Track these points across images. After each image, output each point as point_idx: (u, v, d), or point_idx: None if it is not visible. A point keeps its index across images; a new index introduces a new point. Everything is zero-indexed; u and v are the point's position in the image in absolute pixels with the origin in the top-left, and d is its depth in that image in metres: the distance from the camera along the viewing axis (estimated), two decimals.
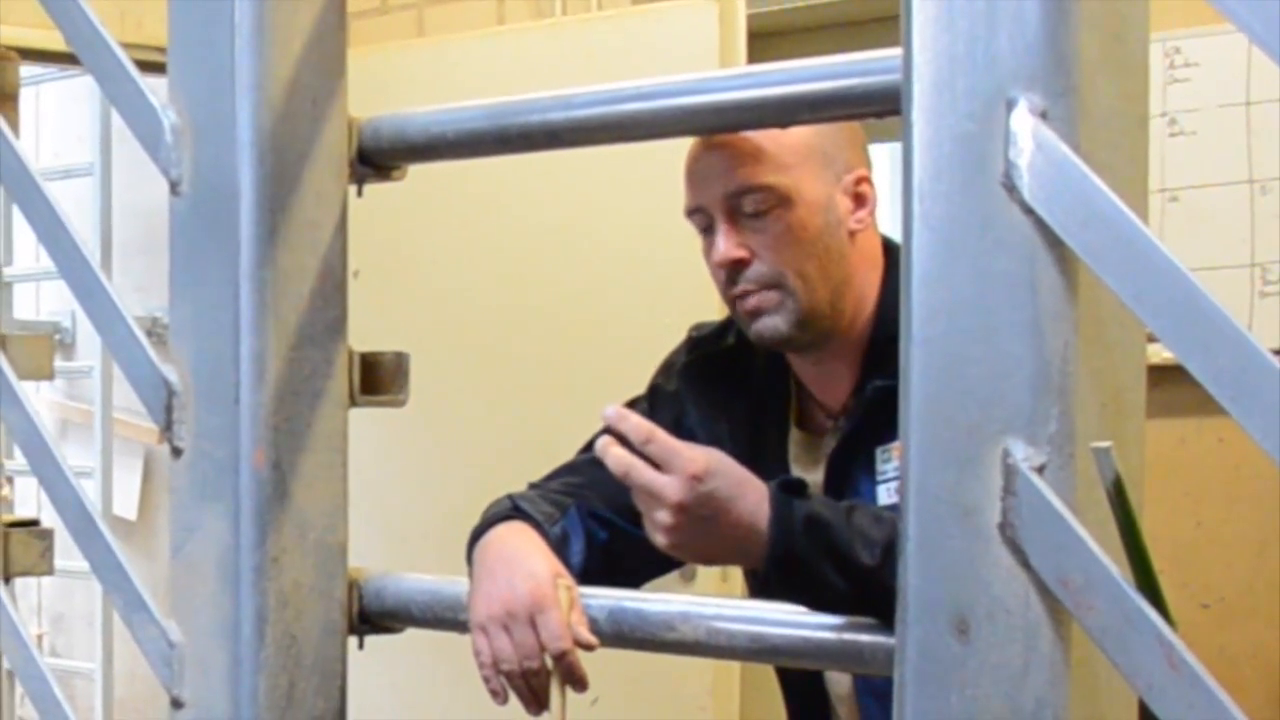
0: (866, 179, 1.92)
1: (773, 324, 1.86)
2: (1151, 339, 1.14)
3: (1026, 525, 1.13)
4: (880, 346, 1.87)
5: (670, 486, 1.57)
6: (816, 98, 1.45)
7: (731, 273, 1.86)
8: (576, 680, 1.64)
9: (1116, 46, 1.18)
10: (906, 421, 1.18)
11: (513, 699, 1.66)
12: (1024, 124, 1.12)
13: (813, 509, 1.61)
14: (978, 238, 1.15)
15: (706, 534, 1.59)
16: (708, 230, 1.88)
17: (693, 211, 1.89)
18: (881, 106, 1.39)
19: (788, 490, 1.62)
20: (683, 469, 1.57)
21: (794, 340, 1.88)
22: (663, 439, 1.58)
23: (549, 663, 1.63)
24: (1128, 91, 1.19)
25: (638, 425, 1.59)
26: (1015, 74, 1.13)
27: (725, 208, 1.85)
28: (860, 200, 1.91)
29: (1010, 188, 1.13)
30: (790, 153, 1.84)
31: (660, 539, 1.60)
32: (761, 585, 1.69)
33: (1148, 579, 1.13)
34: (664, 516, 1.58)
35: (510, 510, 1.83)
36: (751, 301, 1.86)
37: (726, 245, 1.85)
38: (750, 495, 1.60)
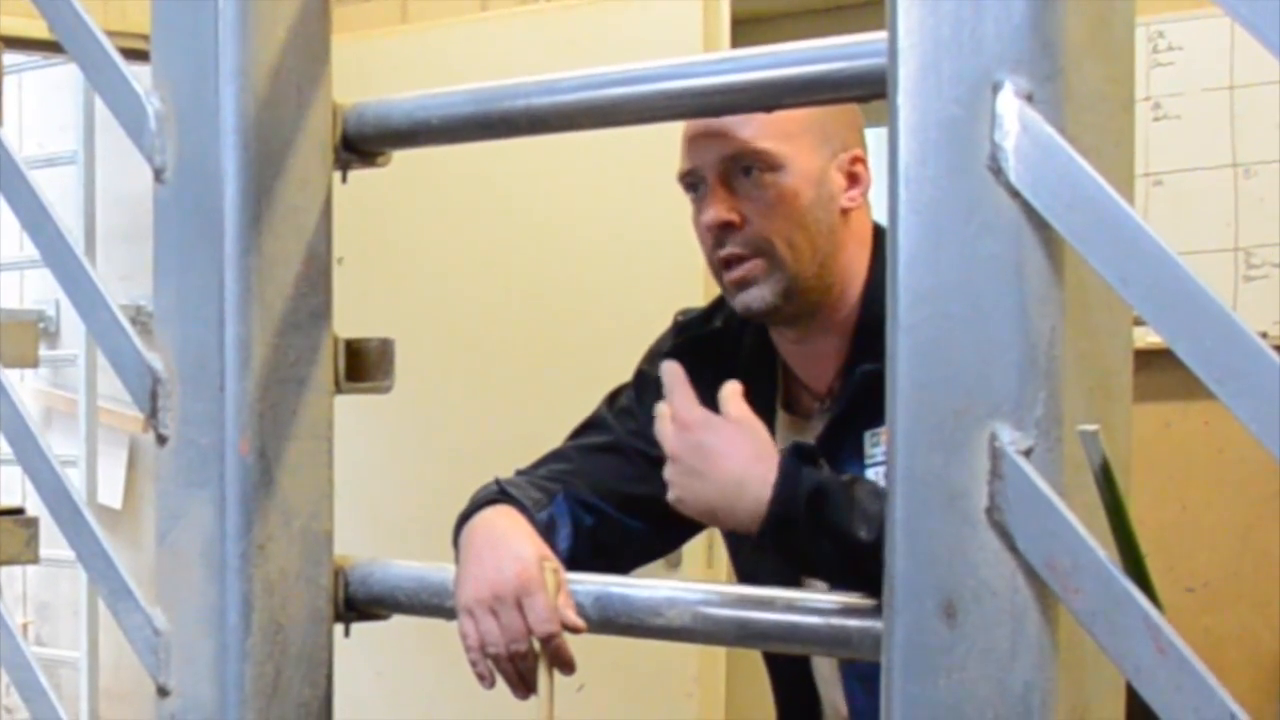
0: (862, 160, 1.92)
1: (759, 294, 1.86)
2: (1138, 322, 1.14)
3: (1013, 509, 1.13)
4: (868, 330, 1.87)
5: (667, 436, 1.65)
6: (801, 82, 1.44)
7: (720, 236, 1.86)
8: (563, 663, 1.64)
9: (1102, 30, 1.17)
10: (893, 406, 1.18)
11: (499, 683, 1.66)
12: (1010, 107, 1.12)
13: (820, 480, 1.64)
14: (964, 221, 1.15)
15: (700, 485, 1.64)
16: (699, 194, 1.88)
17: (686, 174, 1.89)
18: (866, 90, 1.38)
19: (799, 457, 1.63)
20: (678, 419, 1.65)
21: (780, 311, 1.88)
22: (678, 393, 1.66)
23: (536, 646, 1.63)
24: (1113, 75, 1.19)
25: (667, 373, 1.67)
26: (1001, 57, 1.13)
27: (719, 171, 1.86)
28: (854, 179, 1.91)
29: (996, 171, 1.13)
30: (789, 122, 1.85)
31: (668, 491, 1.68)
32: (754, 546, 1.70)
33: (1135, 562, 1.13)
34: (666, 466, 1.66)
35: (497, 494, 1.83)
36: (738, 271, 1.86)
37: (717, 208, 1.85)
38: (743, 453, 1.63)
